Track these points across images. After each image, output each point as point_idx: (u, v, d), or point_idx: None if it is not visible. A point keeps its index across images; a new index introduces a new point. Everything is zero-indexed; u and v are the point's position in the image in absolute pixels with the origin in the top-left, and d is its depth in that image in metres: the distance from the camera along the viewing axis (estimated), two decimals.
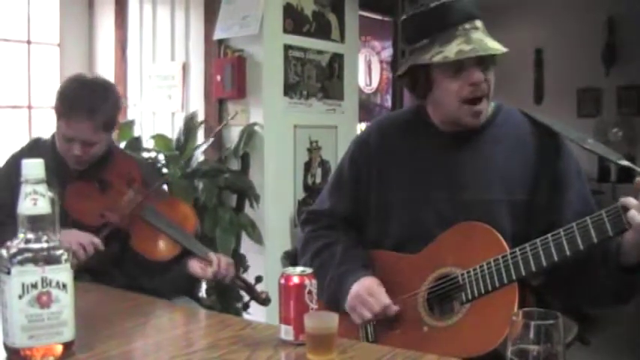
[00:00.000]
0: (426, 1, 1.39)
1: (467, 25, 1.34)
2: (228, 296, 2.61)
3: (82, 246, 1.70)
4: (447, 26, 1.34)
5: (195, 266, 1.79)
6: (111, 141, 1.99)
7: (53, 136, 1.91)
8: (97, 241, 1.73)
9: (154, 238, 1.83)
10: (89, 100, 1.80)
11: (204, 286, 2.40)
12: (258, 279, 1.82)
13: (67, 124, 1.81)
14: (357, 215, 1.58)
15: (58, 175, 1.84)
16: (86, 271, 1.69)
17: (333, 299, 1.49)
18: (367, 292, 1.43)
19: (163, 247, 1.82)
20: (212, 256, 1.78)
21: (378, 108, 5.35)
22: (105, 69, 3.78)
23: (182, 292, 1.77)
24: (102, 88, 1.86)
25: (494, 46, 1.33)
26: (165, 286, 1.65)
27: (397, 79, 1.50)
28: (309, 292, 1.13)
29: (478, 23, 1.36)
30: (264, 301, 1.79)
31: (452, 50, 1.32)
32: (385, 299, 1.42)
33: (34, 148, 1.91)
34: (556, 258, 1.25)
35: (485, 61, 1.36)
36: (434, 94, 1.44)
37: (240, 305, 2.44)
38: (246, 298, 1.89)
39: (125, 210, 1.82)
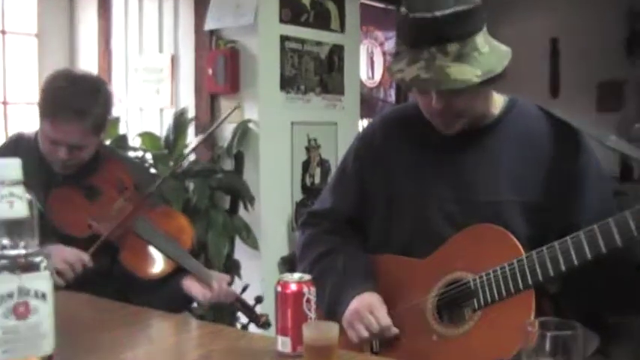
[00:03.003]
0: None
1: (433, 49, 1.29)
2: (221, 307, 2.61)
3: (69, 264, 1.67)
4: (415, 45, 1.32)
5: (192, 287, 1.74)
6: (101, 142, 1.96)
7: (37, 134, 1.87)
8: (85, 257, 1.70)
9: (145, 254, 1.79)
10: (79, 101, 1.75)
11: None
12: (258, 300, 1.80)
13: (52, 126, 1.76)
14: (360, 215, 1.58)
15: (42, 179, 1.81)
16: (72, 286, 1.68)
17: (330, 311, 1.48)
18: (367, 308, 1.43)
19: (155, 264, 1.78)
20: (214, 283, 1.72)
21: (381, 103, 5.35)
22: (87, 62, 3.78)
23: (175, 311, 1.75)
24: (93, 86, 1.83)
25: (458, 77, 1.28)
26: (157, 304, 1.63)
27: None
28: (308, 301, 1.12)
29: (451, 47, 1.29)
30: (264, 325, 1.78)
31: (411, 73, 1.31)
32: (386, 320, 1.42)
33: (17, 147, 1.87)
34: (576, 262, 1.25)
35: (444, 91, 1.34)
36: None
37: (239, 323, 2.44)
38: (244, 318, 1.86)
39: (114, 220, 1.80)
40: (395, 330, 1.42)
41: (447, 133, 1.43)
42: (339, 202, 1.62)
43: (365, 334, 1.42)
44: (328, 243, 1.59)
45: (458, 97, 1.34)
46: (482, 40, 1.32)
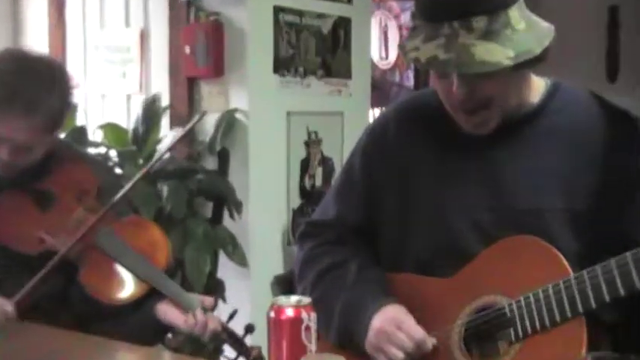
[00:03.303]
0: None
1: (456, 24, 1.29)
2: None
3: None
4: (433, 18, 1.33)
5: (169, 313, 1.73)
6: (55, 139, 1.95)
7: None
8: (8, 308, 1.66)
9: (110, 274, 1.78)
10: (29, 90, 1.73)
11: None
12: (249, 329, 1.80)
13: None
14: (370, 226, 1.59)
15: None
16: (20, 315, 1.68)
17: (346, 335, 1.49)
18: (394, 324, 1.43)
19: (123, 286, 1.77)
20: (198, 311, 1.73)
21: (397, 88, 5.36)
22: (35, 38, 3.78)
23: (145, 343, 1.75)
24: (47, 71, 1.81)
25: (485, 59, 1.28)
26: (125, 334, 1.63)
27: None
28: (307, 329, 1.13)
29: (477, 23, 1.29)
30: None
31: (426, 52, 1.32)
32: (418, 332, 1.42)
33: None
34: (638, 284, 1.24)
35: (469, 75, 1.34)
36: None
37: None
38: (230, 351, 1.86)
39: (73, 233, 1.79)
40: (432, 340, 1.41)
41: (474, 132, 1.44)
42: (344, 210, 1.62)
43: (399, 355, 1.41)
44: (333, 255, 1.59)
45: (485, 82, 1.34)
46: (517, 15, 1.32)
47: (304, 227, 1.71)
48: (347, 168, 1.67)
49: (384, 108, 1.90)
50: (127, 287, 1.79)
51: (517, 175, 1.43)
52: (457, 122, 1.45)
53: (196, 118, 2.07)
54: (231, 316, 1.83)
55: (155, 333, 1.78)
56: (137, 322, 1.75)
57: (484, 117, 1.40)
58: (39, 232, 1.80)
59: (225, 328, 1.77)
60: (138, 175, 1.95)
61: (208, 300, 1.78)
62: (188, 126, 2.15)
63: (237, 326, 1.82)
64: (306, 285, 1.59)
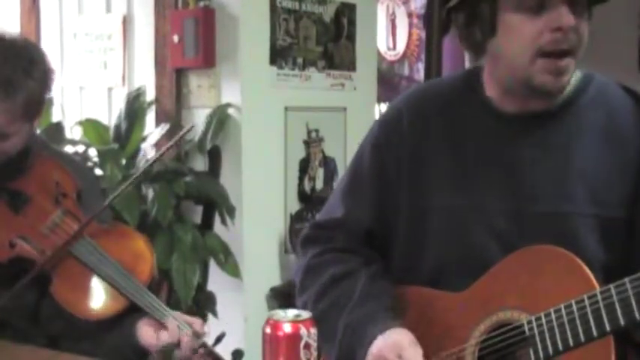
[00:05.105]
0: None
1: None
2: None
3: None
4: None
5: (147, 333, 1.73)
6: (32, 133, 1.96)
7: None
8: None
9: (87, 287, 1.78)
10: (5, 71, 1.74)
11: None
12: (237, 355, 1.80)
13: None
14: (381, 229, 1.59)
15: None
16: None
17: (347, 356, 1.49)
18: (395, 351, 1.42)
19: (101, 301, 1.77)
20: (170, 321, 1.72)
21: (406, 82, 5.36)
22: (5, 24, 3.77)
23: None
24: (24, 52, 1.83)
25: None
26: (101, 354, 1.62)
27: (447, 13, 1.48)
28: (307, 347, 1.13)
29: None
30: None
31: None
32: None
33: None
34: None
35: (578, 2, 1.36)
36: (497, 43, 1.43)
37: None
38: None
39: (48, 239, 1.79)
40: None
41: (552, 84, 1.40)
42: (352, 211, 1.62)
43: None
44: (340, 264, 1.59)
45: (583, 21, 1.37)
46: None
47: (308, 230, 1.70)
48: (355, 164, 1.66)
49: (392, 102, 1.89)
50: (105, 301, 1.78)
51: (541, 176, 1.43)
52: (485, 109, 1.46)
53: (186, 128, 2.05)
54: (218, 340, 1.82)
55: (135, 354, 1.77)
56: (115, 341, 1.75)
57: (568, 64, 1.39)
58: (10, 236, 1.80)
59: (210, 353, 1.76)
60: (122, 187, 1.94)
61: (198, 324, 1.77)
62: (175, 138, 2.12)
63: (228, 347, 1.81)
64: (309, 297, 1.58)
